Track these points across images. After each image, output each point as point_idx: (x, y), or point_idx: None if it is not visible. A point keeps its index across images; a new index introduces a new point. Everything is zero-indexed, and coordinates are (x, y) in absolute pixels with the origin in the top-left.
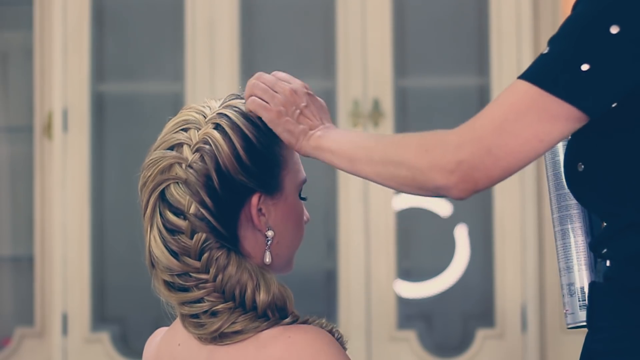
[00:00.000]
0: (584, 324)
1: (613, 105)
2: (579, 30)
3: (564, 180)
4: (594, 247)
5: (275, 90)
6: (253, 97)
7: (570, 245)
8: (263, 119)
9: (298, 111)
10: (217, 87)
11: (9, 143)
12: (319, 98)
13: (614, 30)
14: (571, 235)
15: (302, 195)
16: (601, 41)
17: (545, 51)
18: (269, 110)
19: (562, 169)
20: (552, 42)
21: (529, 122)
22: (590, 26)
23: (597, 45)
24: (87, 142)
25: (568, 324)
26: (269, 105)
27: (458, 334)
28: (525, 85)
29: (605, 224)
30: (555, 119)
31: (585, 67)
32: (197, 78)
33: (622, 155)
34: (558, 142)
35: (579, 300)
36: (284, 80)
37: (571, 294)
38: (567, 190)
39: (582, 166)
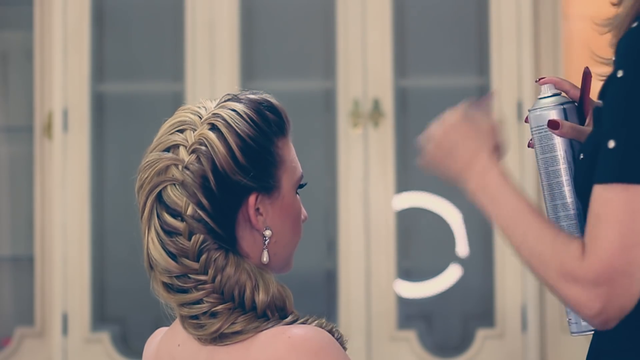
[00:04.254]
0: (589, 332)
1: None
2: (635, 111)
3: (557, 188)
4: None
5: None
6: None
7: None
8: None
9: (455, 145)
10: (217, 87)
11: (9, 143)
12: (493, 125)
13: None
14: None
15: (301, 183)
16: None
17: (611, 145)
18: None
19: (557, 179)
20: (612, 134)
21: None
22: None
23: None
24: (87, 142)
25: (572, 332)
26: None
27: (458, 334)
28: (614, 189)
29: None
30: None
31: None
32: (197, 78)
33: None
34: None
35: None
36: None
37: None
38: (561, 200)
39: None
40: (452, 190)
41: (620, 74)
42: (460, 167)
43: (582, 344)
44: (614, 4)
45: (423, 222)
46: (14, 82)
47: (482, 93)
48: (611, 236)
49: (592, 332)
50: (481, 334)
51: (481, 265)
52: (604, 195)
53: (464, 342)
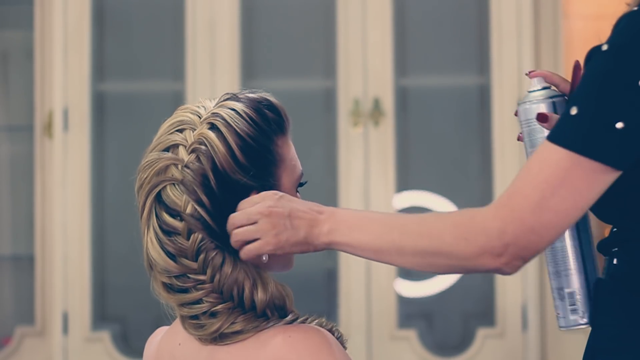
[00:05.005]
0: (576, 327)
1: None
2: (607, 88)
3: None
4: (604, 246)
5: (254, 221)
6: (247, 247)
7: (558, 250)
8: (268, 253)
9: (288, 222)
10: (218, 86)
11: (10, 142)
12: (286, 194)
13: None
14: (559, 240)
15: (301, 182)
16: (632, 97)
17: (574, 112)
18: (268, 243)
19: None
20: (579, 101)
21: (566, 195)
22: (620, 83)
23: (628, 102)
24: (87, 142)
25: (560, 327)
26: (263, 241)
27: (458, 333)
28: (559, 152)
29: (615, 229)
30: (592, 183)
31: (619, 125)
32: (197, 77)
33: (633, 174)
34: (594, 201)
35: (569, 305)
36: (250, 205)
37: (561, 298)
38: None
39: None
40: (452, 189)
41: (605, 47)
42: (307, 224)
43: (583, 342)
44: (628, 4)
45: None
46: (15, 82)
47: (482, 92)
48: (533, 194)
49: (580, 326)
50: (481, 333)
51: None
52: (549, 155)
53: (465, 341)
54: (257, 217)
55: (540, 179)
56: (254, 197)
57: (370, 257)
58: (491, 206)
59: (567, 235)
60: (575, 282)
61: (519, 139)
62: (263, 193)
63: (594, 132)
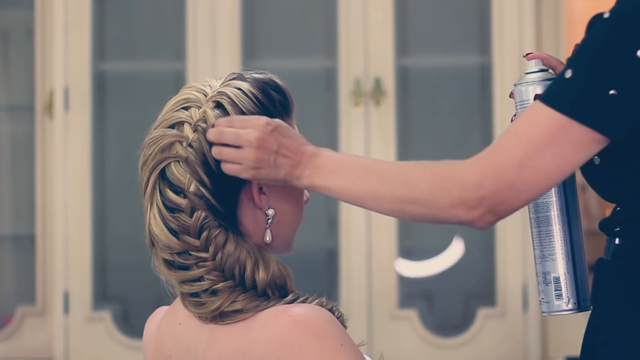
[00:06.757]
0: (559, 313)
1: None
2: (604, 55)
3: None
4: (606, 226)
5: (240, 145)
6: (226, 166)
7: (545, 234)
8: (242, 178)
9: (272, 158)
10: (219, 65)
11: (10, 122)
12: (281, 123)
13: None
14: (547, 223)
15: None
16: (628, 66)
17: (568, 75)
18: (246, 172)
19: None
20: (575, 65)
21: (550, 157)
22: (617, 50)
23: (624, 70)
24: (88, 121)
25: (543, 312)
26: (243, 168)
27: (459, 313)
28: (549, 113)
29: (619, 208)
30: (578, 148)
31: (612, 92)
32: (198, 57)
33: (636, 151)
34: (577, 168)
35: (555, 290)
36: (242, 127)
37: (546, 283)
38: None
39: (598, 160)
40: None
41: (606, 15)
42: (290, 165)
43: (583, 322)
44: None
45: None
46: (15, 61)
47: (483, 72)
48: (517, 151)
49: (564, 312)
50: (482, 313)
51: (482, 244)
52: (539, 115)
53: (465, 321)
54: (245, 143)
55: (526, 138)
56: (247, 119)
57: (348, 201)
58: (472, 159)
59: (556, 220)
60: (561, 267)
61: (512, 121)
62: (256, 118)
63: (586, 96)
